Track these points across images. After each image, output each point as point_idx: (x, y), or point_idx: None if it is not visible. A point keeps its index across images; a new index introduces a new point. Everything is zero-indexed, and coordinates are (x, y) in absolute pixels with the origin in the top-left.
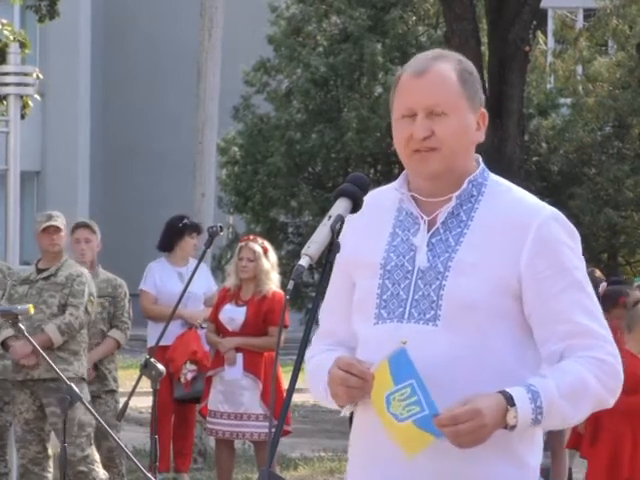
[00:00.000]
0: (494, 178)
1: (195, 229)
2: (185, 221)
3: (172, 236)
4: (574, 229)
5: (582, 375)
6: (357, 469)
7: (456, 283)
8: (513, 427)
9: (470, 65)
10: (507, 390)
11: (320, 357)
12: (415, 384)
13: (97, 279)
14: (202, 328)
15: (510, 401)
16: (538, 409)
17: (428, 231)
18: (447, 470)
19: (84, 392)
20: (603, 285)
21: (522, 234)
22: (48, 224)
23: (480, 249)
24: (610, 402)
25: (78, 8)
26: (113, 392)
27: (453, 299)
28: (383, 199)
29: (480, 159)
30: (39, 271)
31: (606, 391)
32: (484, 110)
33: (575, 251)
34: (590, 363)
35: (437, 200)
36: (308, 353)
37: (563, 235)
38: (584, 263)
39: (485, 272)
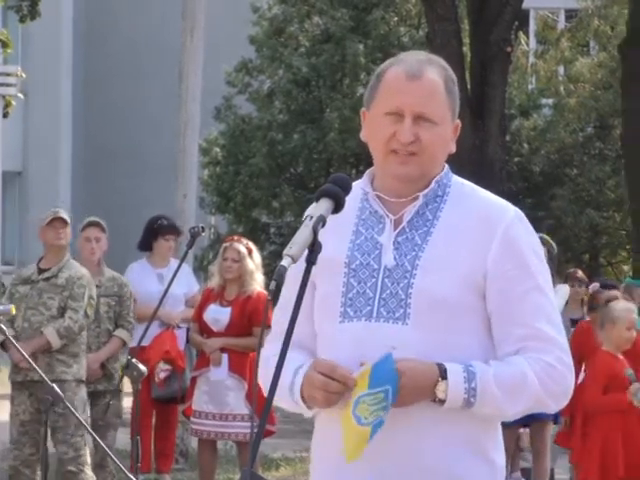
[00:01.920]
0: (457, 179)
1: (170, 231)
2: (160, 222)
3: (148, 236)
4: (533, 230)
5: (524, 371)
6: (322, 470)
7: (424, 281)
8: (442, 402)
9: (452, 74)
10: (444, 363)
11: (276, 359)
12: (391, 391)
13: (103, 277)
14: (179, 328)
15: (443, 374)
16: (472, 390)
17: (394, 230)
18: (416, 468)
19: (81, 394)
20: (595, 285)
21: (489, 232)
22: (55, 216)
23: (447, 247)
24: (551, 407)
25: (60, 8)
26: (118, 392)
27: (422, 297)
28: (349, 198)
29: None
30: (40, 271)
31: (547, 394)
32: (458, 121)
33: (538, 255)
34: (537, 363)
35: (403, 200)
36: (263, 353)
37: (528, 237)
38: (546, 265)
39: (453, 269)
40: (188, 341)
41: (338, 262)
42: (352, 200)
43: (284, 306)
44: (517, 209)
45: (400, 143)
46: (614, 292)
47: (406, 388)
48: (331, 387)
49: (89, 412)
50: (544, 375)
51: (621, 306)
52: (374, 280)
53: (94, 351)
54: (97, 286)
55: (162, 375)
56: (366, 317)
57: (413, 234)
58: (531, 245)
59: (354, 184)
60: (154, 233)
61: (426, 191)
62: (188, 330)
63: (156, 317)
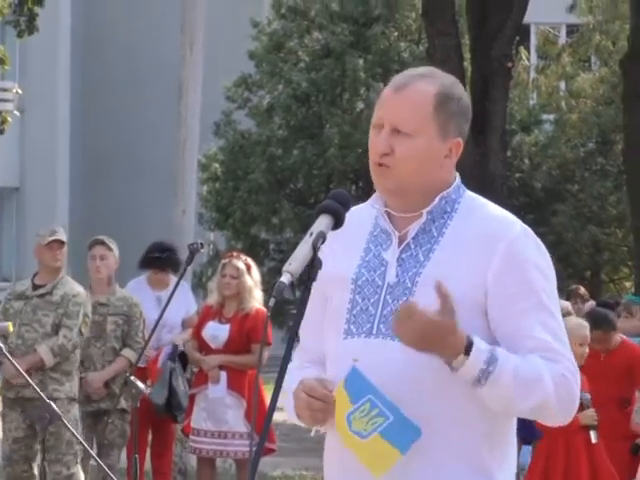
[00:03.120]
0: (470, 195)
1: (162, 267)
2: (151, 255)
3: (145, 261)
4: (544, 248)
5: (541, 371)
6: None
7: (422, 299)
8: (454, 369)
9: (456, 91)
10: (473, 340)
11: (292, 375)
12: (373, 398)
13: (113, 296)
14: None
15: (467, 350)
16: (487, 373)
17: (399, 246)
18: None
19: (74, 411)
20: (591, 304)
21: (490, 249)
22: (53, 238)
23: (448, 264)
24: (558, 415)
25: (58, 23)
26: (123, 411)
27: None
28: (360, 216)
29: (457, 175)
30: (35, 287)
31: (557, 399)
32: (460, 140)
33: (544, 271)
34: (552, 369)
35: (409, 216)
36: (289, 369)
37: (533, 254)
38: (553, 282)
39: (452, 287)
40: (171, 358)
41: (346, 279)
42: (366, 218)
43: (307, 325)
44: (525, 226)
45: (377, 154)
46: (565, 304)
47: (430, 336)
48: (314, 406)
49: (81, 430)
50: (558, 380)
51: (573, 322)
52: (377, 297)
53: (99, 369)
54: (105, 304)
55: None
56: (366, 334)
57: (417, 251)
58: (535, 262)
59: (367, 202)
60: (147, 263)
61: (429, 208)
62: (176, 347)
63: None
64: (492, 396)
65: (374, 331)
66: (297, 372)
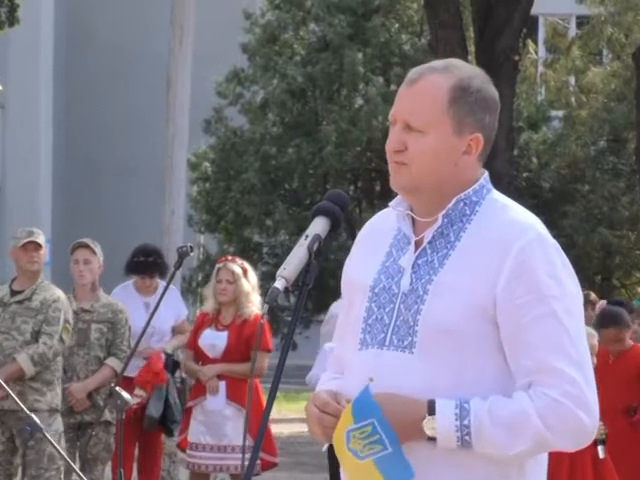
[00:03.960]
0: (493, 196)
1: (146, 272)
2: (137, 260)
3: (130, 266)
4: (562, 254)
5: (524, 408)
6: None
7: (433, 308)
8: (430, 439)
9: (475, 83)
10: (435, 399)
11: (325, 386)
12: (376, 423)
13: (97, 303)
14: (168, 355)
15: (431, 409)
16: (464, 428)
17: (415, 251)
18: None
19: (56, 424)
20: (602, 303)
21: (502, 255)
22: (29, 240)
23: (462, 271)
24: (563, 446)
25: (39, 15)
26: (108, 424)
27: (428, 324)
28: (388, 219)
29: (486, 176)
30: (13, 293)
31: (552, 433)
32: (480, 135)
33: (558, 279)
34: (541, 399)
35: (428, 220)
36: (320, 379)
37: (547, 260)
38: (572, 292)
39: (463, 295)
40: (167, 369)
41: (365, 286)
42: (393, 221)
43: (338, 332)
44: (542, 231)
45: (390, 152)
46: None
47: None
48: (325, 421)
49: (64, 444)
50: (548, 412)
51: None
52: (392, 305)
53: (82, 379)
54: (89, 311)
55: (135, 403)
56: (379, 345)
57: (433, 256)
58: (548, 268)
59: (392, 202)
60: (131, 268)
61: (444, 211)
62: (169, 358)
63: (137, 352)
64: (485, 450)
65: (387, 342)
66: (327, 383)
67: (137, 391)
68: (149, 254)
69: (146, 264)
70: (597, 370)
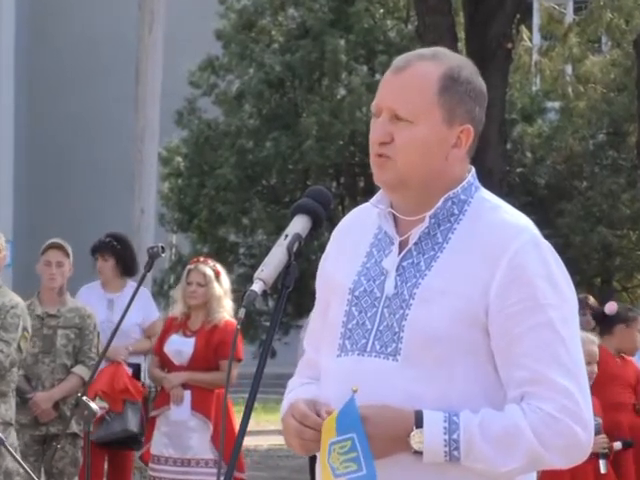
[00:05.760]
0: (482, 195)
1: (108, 249)
2: (100, 239)
3: (92, 250)
4: (557, 257)
5: (517, 422)
6: None
7: (419, 313)
8: (417, 453)
9: (465, 73)
10: (423, 410)
11: (291, 394)
12: (356, 439)
13: (64, 307)
14: (129, 365)
15: (419, 422)
16: (453, 443)
17: (400, 253)
18: None
19: (11, 438)
20: (612, 304)
21: (495, 259)
22: None
23: (450, 275)
24: (558, 462)
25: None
26: (75, 436)
27: (414, 331)
28: (367, 215)
29: (473, 173)
30: None
31: (546, 449)
32: (470, 127)
33: (555, 284)
34: (535, 413)
35: (413, 219)
36: (289, 385)
37: (542, 264)
38: (568, 299)
39: (451, 301)
40: (138, 379)
41: (344, 288)
42: (373, 217)
43: (311, 335)
44: (536, 234)
45: (375, 144)
46: None
47: (373, 437)
48: (305, 435)
49: (24, 457)
50: (542, 427)
51: (581, 337)
52: (374, 310)
53: (48, 389)
54: (55, 316)
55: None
56: (360, 351)
57: (419, 258)
58: (544, 274)
59: (373, 198)
60: (93, 252)
61: (432, 211)
62: (138, 367)
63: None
64: (475, 466)
65: (368, 348)
66: (297, 390)
67: (99, 402)
68: (108, 236)
69: (101, 244)
70: (603, 370)
